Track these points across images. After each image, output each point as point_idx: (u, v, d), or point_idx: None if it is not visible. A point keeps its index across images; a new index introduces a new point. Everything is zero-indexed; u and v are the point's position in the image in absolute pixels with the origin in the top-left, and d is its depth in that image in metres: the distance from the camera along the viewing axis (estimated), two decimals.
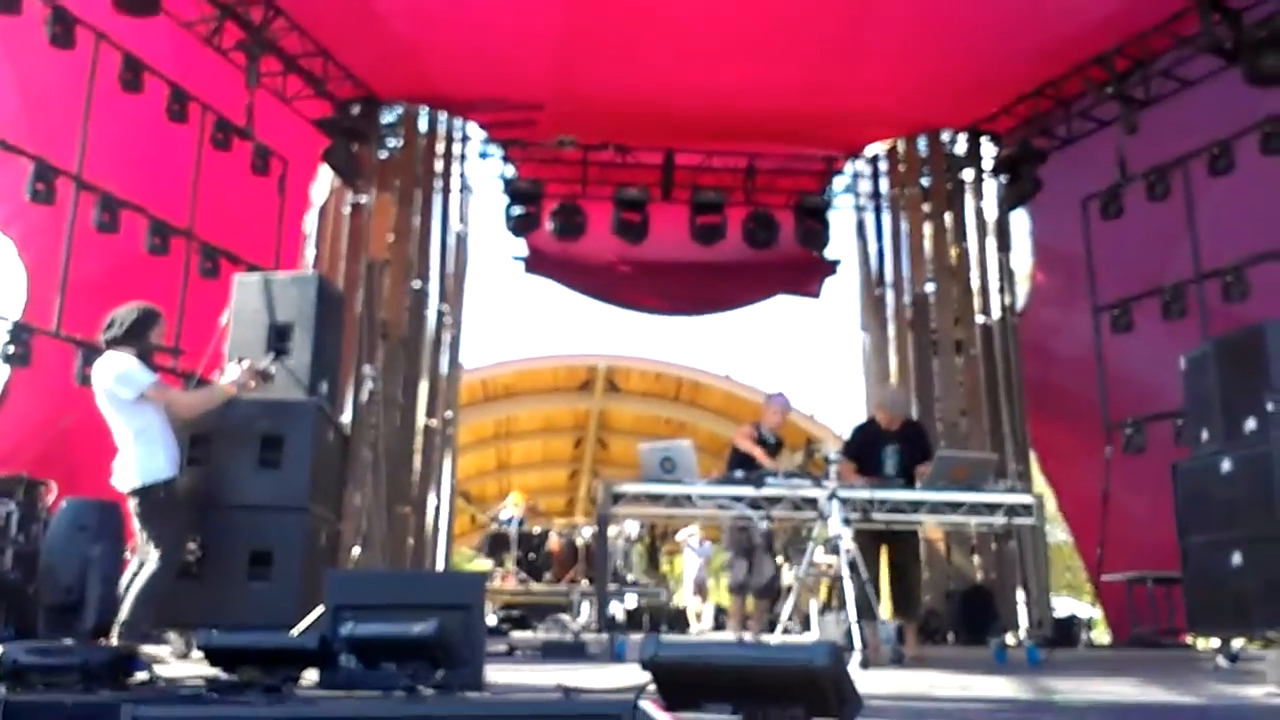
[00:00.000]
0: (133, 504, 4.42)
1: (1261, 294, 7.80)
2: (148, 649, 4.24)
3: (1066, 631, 9.11)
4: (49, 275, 6.96)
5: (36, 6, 6.65)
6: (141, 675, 3.17)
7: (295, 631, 4.14)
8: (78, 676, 2.90)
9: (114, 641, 4.21)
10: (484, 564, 12.85)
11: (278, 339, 5.26)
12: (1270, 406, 5.37)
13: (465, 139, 11.22)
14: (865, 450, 6.19)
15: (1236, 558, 5.67)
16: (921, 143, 11.17)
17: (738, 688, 2.18)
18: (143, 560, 4.42)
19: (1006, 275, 10.82)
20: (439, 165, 10.81)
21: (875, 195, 11.66)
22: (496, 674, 3.66)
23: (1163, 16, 8.25)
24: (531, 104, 10.12)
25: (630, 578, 12.66)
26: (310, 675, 3.29)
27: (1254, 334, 5.84)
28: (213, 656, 3.20)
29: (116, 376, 4.41)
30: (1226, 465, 5.84)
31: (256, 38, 8.25)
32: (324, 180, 10.18)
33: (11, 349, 6.53)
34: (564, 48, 8.96)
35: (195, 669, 3.50)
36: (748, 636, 6.51)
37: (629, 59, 9.14)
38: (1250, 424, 5.68)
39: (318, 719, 2.38)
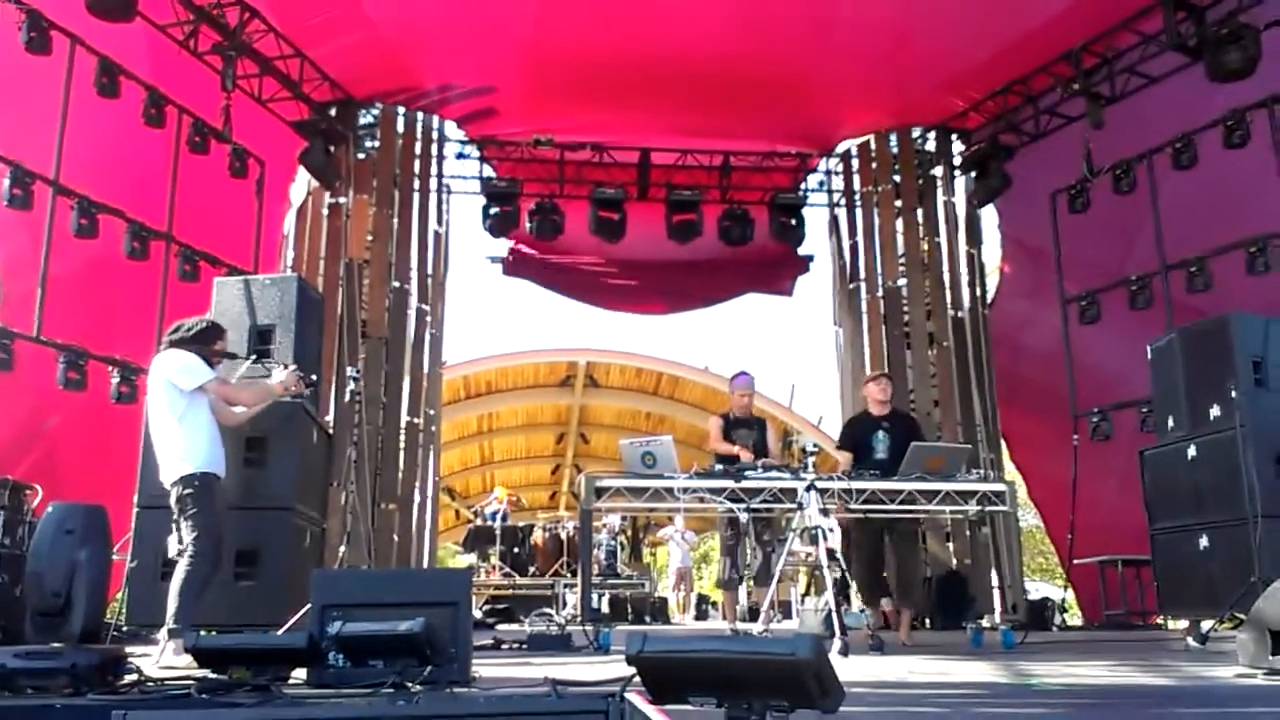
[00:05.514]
0: (175, 493, 4.41)
1: (1224, 284, 7.96)
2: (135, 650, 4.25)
3: (1040, 614, 9.27)
4: (23, 276, 6.91)
5: (10, 11, 6.61)
6: (130, 677, 3.17)
7: (282, 631, 4.18)
8: (66, 680, 2.90)
9: (163, 644, 4.19)
10: (468, 559, 12.90)
11: (259, 341, 5.29)
12: (1234, 394, 5.50)
13: (443, 139, 11.23)
14: (858, 439, 6.44)
15: (1204, 541, 5.82)
16: (892, 140, 11.31)
17: (722, 681, 2.18)
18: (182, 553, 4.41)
19: (977, 269, 10.97)
20: (416, 166, 10.83)
21: (848, 192, 11.78)
22: (483, 668, 3.71)
23: (1127, 14, 8.38)
24: (485, 87, 10.06)
25: (614, 569, 12.77)
26: (299, 674, 3.31)
27: (1219, 324, 5.99)
28: (201, 657, 3.22)
29: (181, 366, 4.52)
30: (1192, 451, 6.00)
31: (233, 40, 8.19)
32: (302, 182, 10.16)
33: None
34: (538, 36, 8.92)
35: (184, 670, 3.52)
36: (741, 627, 6.61)
37: (603, 48, 9.08)
38: (1215, 411, 5.83)
39: (306, 719, 2.40)
